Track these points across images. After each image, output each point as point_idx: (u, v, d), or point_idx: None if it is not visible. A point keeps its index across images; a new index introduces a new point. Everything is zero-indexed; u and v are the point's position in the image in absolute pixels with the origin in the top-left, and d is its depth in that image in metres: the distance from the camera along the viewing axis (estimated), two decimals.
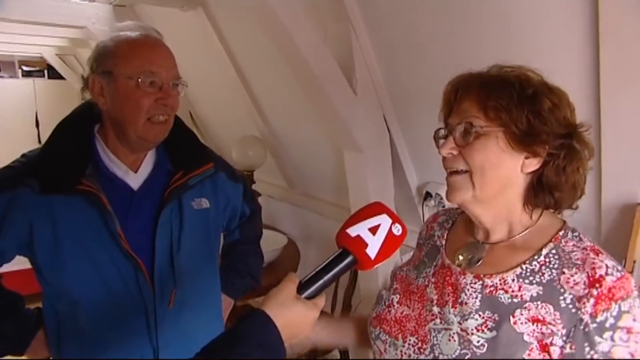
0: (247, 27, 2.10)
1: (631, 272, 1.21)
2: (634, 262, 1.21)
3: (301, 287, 0.67)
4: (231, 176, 1.21)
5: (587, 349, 0.63)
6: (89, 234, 0.96)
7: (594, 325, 0.63)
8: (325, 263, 0.68)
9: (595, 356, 0.63)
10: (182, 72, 1.03)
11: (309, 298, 0.67)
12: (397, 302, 0.82)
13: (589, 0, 1.03)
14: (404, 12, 1.43)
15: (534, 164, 0.71)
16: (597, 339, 0.63)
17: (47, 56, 4.65)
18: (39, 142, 4.85)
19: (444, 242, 0.85)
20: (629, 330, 0.62)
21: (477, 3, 1.23)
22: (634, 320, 0.63)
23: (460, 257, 0.79)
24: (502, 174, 0.71)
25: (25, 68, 5.11)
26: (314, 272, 0.68)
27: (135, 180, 1.03)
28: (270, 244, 2.17)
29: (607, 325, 0.62)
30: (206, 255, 1.14)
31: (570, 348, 0.64)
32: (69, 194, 0.94)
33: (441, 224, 0.90)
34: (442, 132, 0.78)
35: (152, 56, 0.97)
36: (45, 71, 5.16)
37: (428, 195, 1.76)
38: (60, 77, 4.98)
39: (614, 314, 0.62)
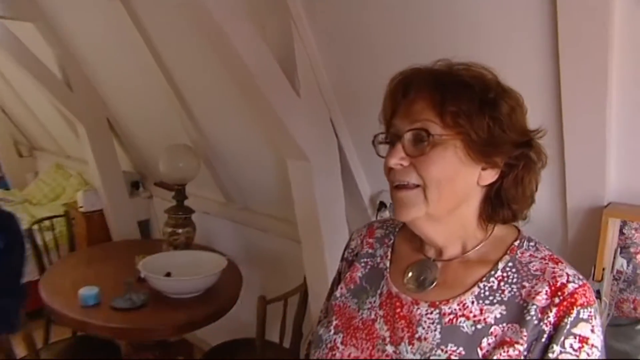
0: (173, 20, 1.96)
1: (601, 280, 1.18)
2: (603, 269, 1.18)
3: None
4: None
5: None
6: None
7: (554, 333, 0.62)
8: None
9: None
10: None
11: None
12: (341, 343, 0.74)
13: None
14: (351, 4, 1.37)
15: (491, 176, 0.69)
16: (552, 346, 0.61)
17: None
18: None
19: (388, 265, 0.79)
20: (582, 340, 0.61)
21: None
22: (592, 331, 0.62)
23: (410, 278, 0.74)
24: (458, 187, 0.68)
25: None
26: None
27: None
28: (207, 268, 1.98)
29: (564, 331, 0.61)
30: None
31: None
32: None
33: (380, 239, 0.83)
34: (384, 137, 0.72)
35: None
36: None
37: (382, 205, 1.71)
38: None
39: (571, 319, 0.61)
